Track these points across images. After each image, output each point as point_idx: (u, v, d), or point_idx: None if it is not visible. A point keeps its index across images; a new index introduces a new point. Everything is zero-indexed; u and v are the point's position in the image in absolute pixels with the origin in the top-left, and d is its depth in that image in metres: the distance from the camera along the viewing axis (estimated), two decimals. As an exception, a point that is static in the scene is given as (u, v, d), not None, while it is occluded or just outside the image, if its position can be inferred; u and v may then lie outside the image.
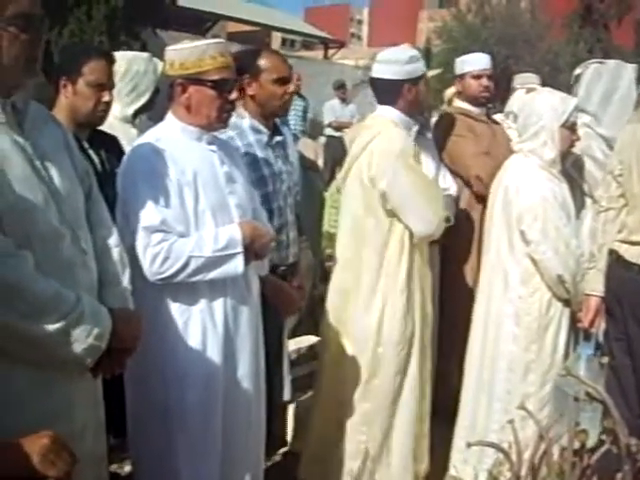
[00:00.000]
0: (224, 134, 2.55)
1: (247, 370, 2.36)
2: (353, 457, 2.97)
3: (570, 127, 3.02)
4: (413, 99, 2.95)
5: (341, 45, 23.11)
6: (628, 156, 2.69)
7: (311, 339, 4.01)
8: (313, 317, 4.13)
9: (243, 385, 2.35)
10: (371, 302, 2.91)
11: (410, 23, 48.72)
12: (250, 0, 25.06)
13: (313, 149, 6.87)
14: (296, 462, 3.21)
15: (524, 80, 5.02)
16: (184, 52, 2.25)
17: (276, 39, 36.91)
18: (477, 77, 3.79)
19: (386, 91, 2.96)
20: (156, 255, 2.12)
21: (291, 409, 3.57)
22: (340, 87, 10.84)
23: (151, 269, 2.13)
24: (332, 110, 10.54)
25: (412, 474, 3.01)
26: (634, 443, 1.63)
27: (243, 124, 2.75)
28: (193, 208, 2.21)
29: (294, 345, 4.14)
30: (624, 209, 2.75)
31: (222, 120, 2.33)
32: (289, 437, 3.57)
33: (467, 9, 19.63)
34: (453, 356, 3.42)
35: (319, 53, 23.34)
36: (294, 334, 4.40)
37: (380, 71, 2.97)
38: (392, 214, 2.86)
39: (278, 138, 2.87)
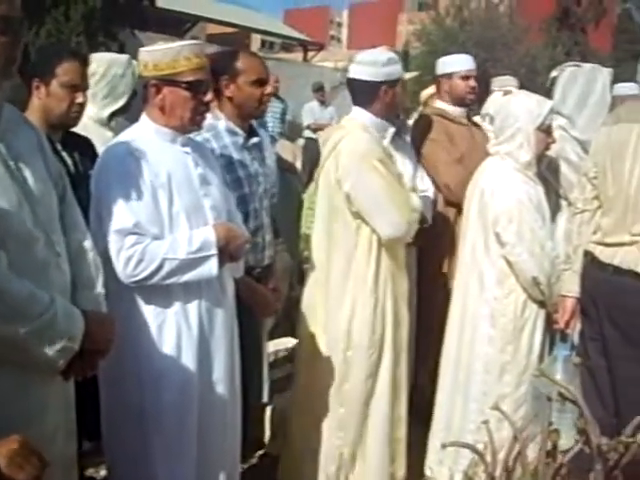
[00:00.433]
0: (200, 136, 2.54)
1: (222, 372, 2.35)
2: (329, 461, 2.96)
3: (546, 130, 3.04)
4: (390, 101, 2.95)
5: (320, 47, 23.13)
6: (602, 159, 2.72)
7: (289, 341, 4.00)
8: (290, 319, 4.12)
9: (218, 387, 2.34)
10: (340, 305, 2.91)
11: (389, 26, 48.85)
12: (230, 2, 25.03)
13: (291, 151, 6.90)
14: (273, 465, 3.21)
15: (502, 83, 5.05)
16: (158, 53, 2.24)
17: (255, 41, 36.85)
18: (465, 78, 3.80)
19: (363, 92, 2.97)
20: (130, 257, 2.11)
21: (269, 411, 3.56)
22: (319, 89, 10.85)
23: (125, 272, 2.12)
24: (311, 112, 10.55)
25: (388, 478, 3.01)
26: (605, 443, 1.64)
27: (219, 126, 2.74)
28: (167, 210, 2.20)
29: (272, 347, 4.13)
30: (599, 211, 2.77)
31: (196, 122, 2.33)
32: (267, 439, 3.56)
33: (446, 12, 19.76)
34: (429, 358, 3.43)
35: (298, 55, 23.35)
36: (272, 336, 4.38)
37: (358, 72, 2.97)
38: (359, 216, 2.85)
39: (254, 140, 2.86)
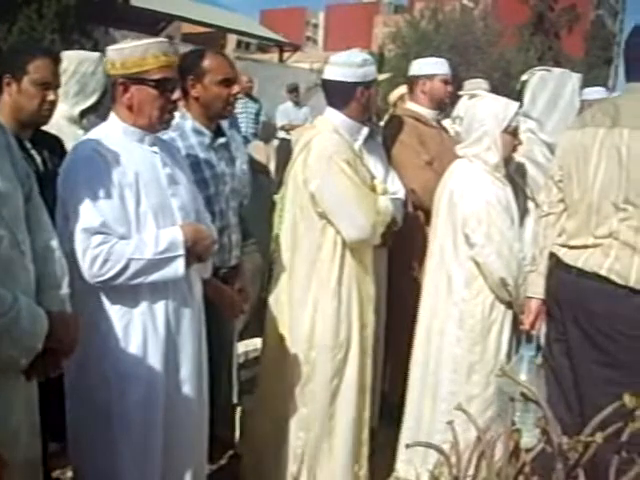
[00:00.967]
0: (166, 135, 2.53)
1: (189, 372, 2.34)
2: (291, 461, 2.97)
3: (512, 132, 3.07)
4: (366, 103, 2.97)
5: (296, 48, 23.16)
6: (568, 162, 2.75)
7: (259, 342, 4.00)
8: (261, 320, 4.13)
9: (185, 387, 2.34)
10: (303, 305, 2.92)
11: (365, 28, 49.04)
12: (206, 1, 24.93)
13: (265, 152, 6.87)
14: (249, 466, 3.20)
15: (474, 86, 5.10)
16: (125, 51, 2.23)
17: (231, 41, 36.76)
18: (445, 81, 3.82)
19: (338, 93, 2.98)
20: (96, 257, 2.09)
21: (238, 412, 3.56)
22: (293, 90, 10.85)
23: (90, 271, 2.11)
24: (285, 113, 10.55)
25: (353, 478, 3.02)
26: (565, 442, 1.66)
27: (185, 125, 2.73)
28: (134, 210, 2.19)
29: (242, 348, 4.14)
30: (564, 214, 2.80)
31: (164, 120, 2.32)
32: (237, 440, 3.55)
33: (420, 15, 19.89)
34: (400, 359, 3.45)
35: (274, 56, 23.35)
36: (242, 337, 4.39)
37: (333, 73, 2.98)
38: (324, 217, 2.86)
39: (221, 140, 2.86)
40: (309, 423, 2.96)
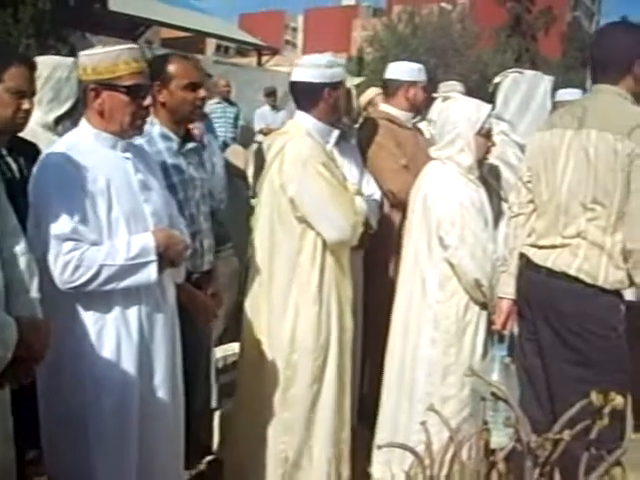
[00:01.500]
0: (134, 141, 2.53)
1: (164, 377, 2.34)
2: (274, 466, 2.97)
3: (485, 134, 3.10)
4: (333, 104, 2.98)
5: (274, 52, 23.16)
6: (537, 163, 2.78)
7: (237, 346, 4.00)
8: (239, 324, 4.13)
9: (160, 393, 2.34)
10: (284, 310, 2.92)
11: (344, 31, 49.20)
12: (184, 6, 24.87)
13: (244, 156, 6.85)
14: (221, 470, 3.19)
15: (449, 88, 5.13)
16: (97, 57, 2.24)
17: (210, 45, 36.73)
18: (424, 89, 3.87)
19: (306, 95, 2.99)
20: (67, 263, 2.09)
21: (217, 417, 3.56)
22: (270, 94, 10.84)
23: (62, 278, 2.10)
24: (263, 117, 10.54)
25: (335, 479, 3.03)
26: (534, 440, 1.69)
27: (153, 131, 2.73)
28: (106, 216, 2.19)
29: (221, 352, 4.12)
30: (533, 214, 2.83)
31: (136, 126, 2.32)
32: (215, 445, 3.55)
33: (398, 19, 19.96)
34: (377, 360, 3.47)
35: (253, 60, 23.34)
36: (220, 341, 4.39)
37: (301, 74, 2.99)
38: (303, 221, 2.87)
39: (190, 145, 2.86)
40: (292, 427, 2.96)
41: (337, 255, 2.96)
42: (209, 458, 3.46)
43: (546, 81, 3.61)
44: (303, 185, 2.83)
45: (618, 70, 2.64)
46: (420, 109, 3.89)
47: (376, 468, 3.28)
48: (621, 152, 2.48)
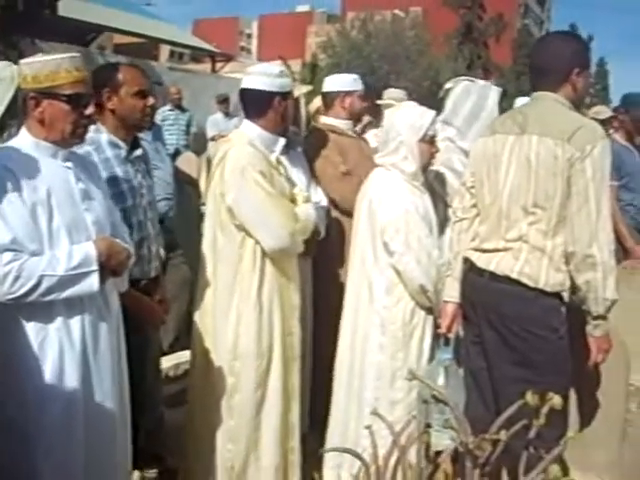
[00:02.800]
0: (81, 149, 2.51)
1: (109, 387, 2.32)
2: (221, 475, 2.97)
3: (429, 141, 3.14)
4: (283, 113, 3.00)
5: (229, 58, 23.04)
6: (479, 168, 2.83)
7: (189, 354, 3.98)
8: (190, 332, 4.11)
9: (105, 403, 2.31)
10: (226, 317, 2.93)
11: (299, 38, 49.28)
12: (138, 12, 24.59)
13: (195, 164, 6.83)
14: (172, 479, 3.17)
15: (390, 95, 5.20)
16: (37, 65, 2.21)
17: (164, 52, 36.46)
18: (362, 98, 3.92)
19: (257, 103, 3.01)
20: (6, 275, 2.06)
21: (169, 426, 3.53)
22: (223, 101, 10.80)
23: (1, 289, 2.07)
24: (215, 124, 10.49)
25: None
26: (471, 440, 1.72)
27: (101, 139, 2.73)
28: (47, 226, 2.16)
29: (173, 360, 4.10)
30: (477, 219, 2.88)
31: (78, 135, 2.30)
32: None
33: (351, 25, 20.08)
34: (326, 365, 3.48)
35: (208, 66, 23.20)
36: (172, 349, 4.36)
37: (252, 82, 3.01)
38: (243, 229, 2.89)
39: (137, 152, 2.87)
40: (237, 435, 2.96)
41: (280, 262, 2.97)
42: (160, 468, 3.43)
43: (494, 92, 3.66)
44: (241, 193, 2.84)
45: (557, 78, 2.71)
46: (359, 116, 3.93)
47: (327, 473, 3.29)
48: (561, 157, 2.54)
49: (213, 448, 2.98)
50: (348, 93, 3.90)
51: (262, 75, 3.00)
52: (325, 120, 3.97)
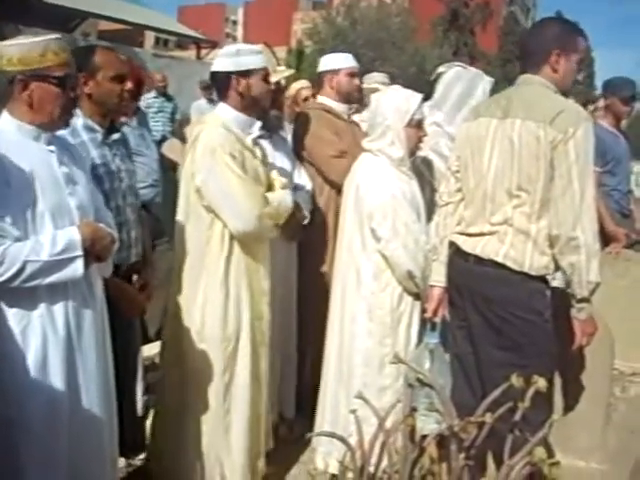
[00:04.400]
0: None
1: (93, 374, 2.29)
2: (193, 458, 2.96)
3: (416, 125, 3.13)
4: (244, 92, 2.94)
5: (214, 45, 22.88)
6: (464, 152, 2.83)
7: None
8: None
9: (90, 390, 2.28)
10: (194, 300, 2.92)
11: (284, 24, 49.08)
12: (122, -3, 24.40)
13: (180, 150, 6.79)
14: (158, 466, 3.16)
15: (374, 79, 5.16)
16: (24, 46, 2.16)
17: (149, 38, 36.22)
18: (351, 75, 3.87)
19: (218, 83, 3.00)
20: None
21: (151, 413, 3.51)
22: (207, 87, 10.68)
23: None
24: (199, 110, 10.37)
25: (250, 471, 3.02)
26: (457, 423, 1.72)
27: (77, 123, 2.68)
28: (30, 211, 2.12)
29: (158, 348, 4.08)
30: (462, 203, 2.88)
31: (65, 119, 2.27)
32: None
33: (336, 12, 20.00)
34: (310, 352, 3.49)
35: (193, 53, 23.05)
36: (158, 337, 4.34)
37: (215, 65, 3.00)
38: (211, 210, 2.87)
39: (115, 136, 2.84)
40: (207, 418, 2.95)
41: (248, 246, 2.94)
42: (143, 455, 3.42)
43: (485, 82, 3.65)
44: (209, 175, 2.82)
45: (536, 60, 2.70)
46: (349, 97, 3.89)
47: (317, 459, 3.30)
48: (543, 139, 2.54)
49: (185, 431, 2.97)
50: (335, 72, 3.87)
51: (221, 57, 2.99)
52: (320, 100, 3.94)
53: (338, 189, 3.59)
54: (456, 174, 2.88)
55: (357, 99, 4.04)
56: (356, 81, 3.90)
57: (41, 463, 2.19)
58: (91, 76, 2.69)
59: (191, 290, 2.93)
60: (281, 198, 2.99)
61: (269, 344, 3.09)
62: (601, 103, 5.47)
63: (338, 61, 3.93)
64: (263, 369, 3.05)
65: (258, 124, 3.03)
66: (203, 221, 2.88)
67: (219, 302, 2.89)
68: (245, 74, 2.93)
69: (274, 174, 3.07)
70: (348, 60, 3.92)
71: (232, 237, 2.88)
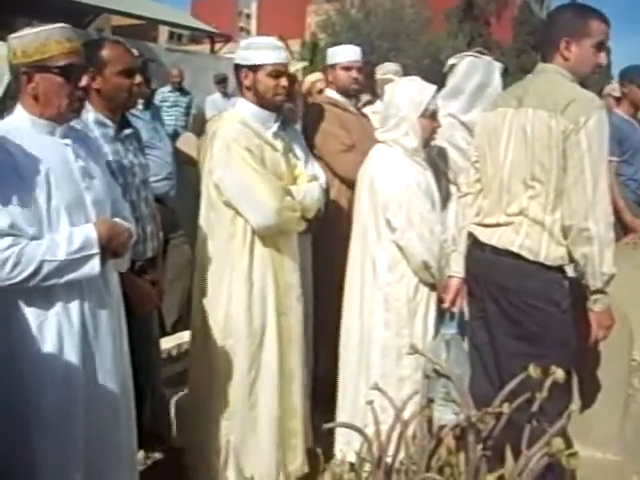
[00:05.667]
0: None
1: (110, 370, 2.28)
2: (218, 451, 2.97)
3: (430, 115, 3.11)
4: (252, 87, 2.93)
5: (227, 39, 22.87)
6: (482, 142, 2.82)
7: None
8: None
9: (107, 386, 2.27)
10: (219, 295, 2.93)
11: (298, 17, 48.99)
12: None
13: (196, 144, 6.80)
14: (178, 458, 3.18)
15: (387, 69, 5.13)
16: (26, 39, 2.13)
17: (163, 33, 36.29)
18: (347, 68, 3.86)
19: (236, 78, 3.01)
20: (5, 260, 2.00)
21: (173, 406, 3.53)
22: (221, 81, 10.68)
23: (0, 275, 2.02)
24: (214, 104, 10.35)
25: (276, 468, 3.00)
26: (474, 414, 1.71)
27: (88, 118, 2.67)
28: (46, 207, 2.10)
29: (175, 341, 4.10)
30: (480, 194, 2.87)
31: (74, 109, 2.22)
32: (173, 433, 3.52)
33: (351, 4, 19.95)
34: (328, 344, 3.48)
35: (207, 47, 23.07)
36: (175, 329, 4.36)
37: (235, 59, 3.01)
38: (231, 206, 2.87)
39: (127, 131, 2.83)
40: (232, 412, 2.96)
41: (272, 240, 2.94)
42: (165, 447, 3.44)
43: (497, 68, 3.63)
44: (226, 170, 2.83)
45: (548, 49, 2.68)
46: (348, 90, 3.88)
47: (338, 449, 3.29)
48: (555, 129, 2.51)
49: (212, 425, 2.98)
50: (332, 66, 3.88)
51: (238, 50, 2.99)
52: (328, 93, 3.95)
53: (348, 183, 3.59)
54: (475, 164, 2.88)
55: (355, 92, 4.01)
56: (353, 74, 3.88)
57: (57, 458, 2.18)
58: (99, 71, 2.65)
59: (215, 286, 2.94)
60: (307, 191, 2.98)
61: (301, 340, 3.08)
62: (608, 90, 5.41)
63: (334, 55, 3.94)
64: (293, 365, 3.05)
65: (274, 119, 3.01)
66: (225, 217, 2.89)
67: (243, 297, 2.89)
68: (253, 69, 2.92)
69: (300, 167, 3.07)
70: (344, 53, 3.92)
71: (255, 232, 2.89)
